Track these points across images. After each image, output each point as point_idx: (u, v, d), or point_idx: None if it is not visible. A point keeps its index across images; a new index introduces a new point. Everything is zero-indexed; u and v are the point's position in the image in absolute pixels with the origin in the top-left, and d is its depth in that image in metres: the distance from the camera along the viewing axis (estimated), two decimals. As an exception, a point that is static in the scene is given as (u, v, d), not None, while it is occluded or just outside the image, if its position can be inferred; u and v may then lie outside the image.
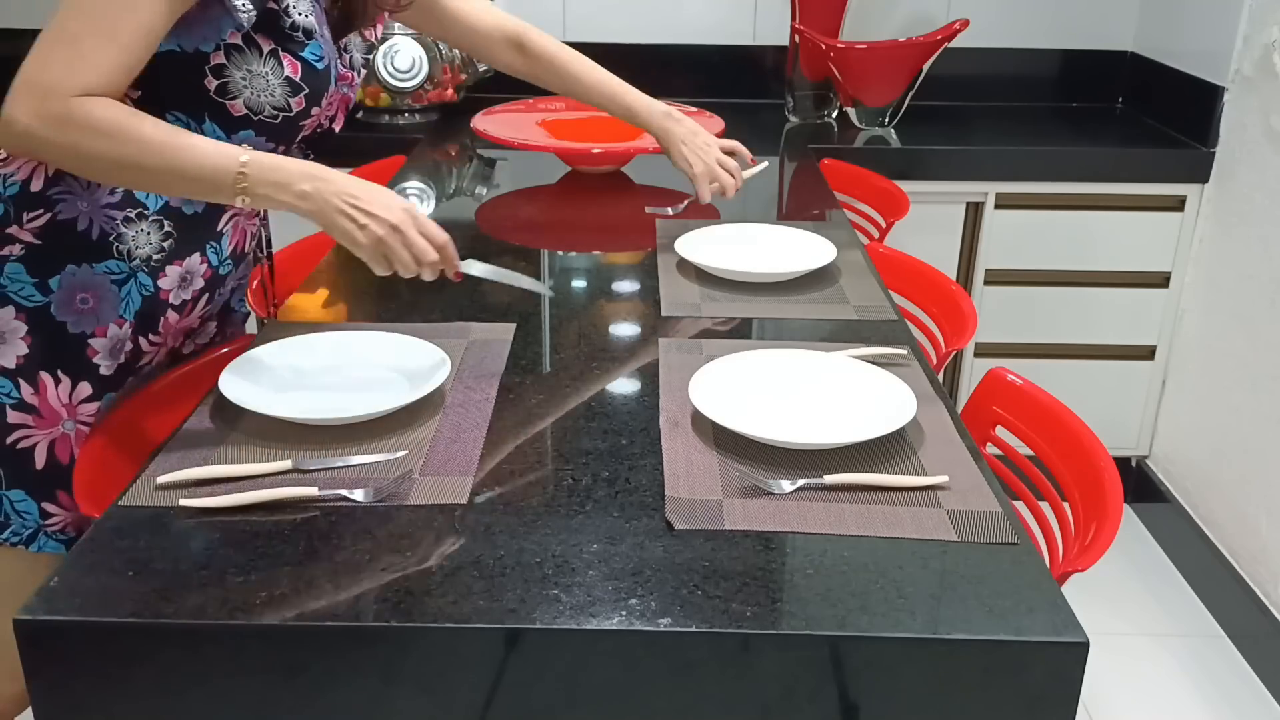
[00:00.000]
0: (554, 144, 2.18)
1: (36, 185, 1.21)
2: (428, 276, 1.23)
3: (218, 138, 1.24)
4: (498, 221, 1.95)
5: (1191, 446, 2.54)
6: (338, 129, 1.40)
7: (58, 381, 1.23)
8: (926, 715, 0.91)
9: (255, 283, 1.72)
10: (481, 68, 2.67)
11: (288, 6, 1.22)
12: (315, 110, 1.28)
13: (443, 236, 1.22)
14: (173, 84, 1.20)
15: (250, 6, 1.18)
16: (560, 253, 1.80)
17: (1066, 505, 1.24)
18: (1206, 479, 2.46)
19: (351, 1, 1.34)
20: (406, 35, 2.60)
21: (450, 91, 2.67)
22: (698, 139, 1.77)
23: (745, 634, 0.88)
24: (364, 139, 2.56)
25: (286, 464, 1.09)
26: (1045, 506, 1.29)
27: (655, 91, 2.55)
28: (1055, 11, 2.83)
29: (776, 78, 2.85)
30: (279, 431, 1.15)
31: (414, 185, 2.17)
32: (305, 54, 1.24)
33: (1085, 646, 0.88)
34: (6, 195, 1.21)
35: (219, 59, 1.19)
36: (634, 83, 2.80)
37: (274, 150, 1.30)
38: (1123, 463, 2.68)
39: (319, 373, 1.27)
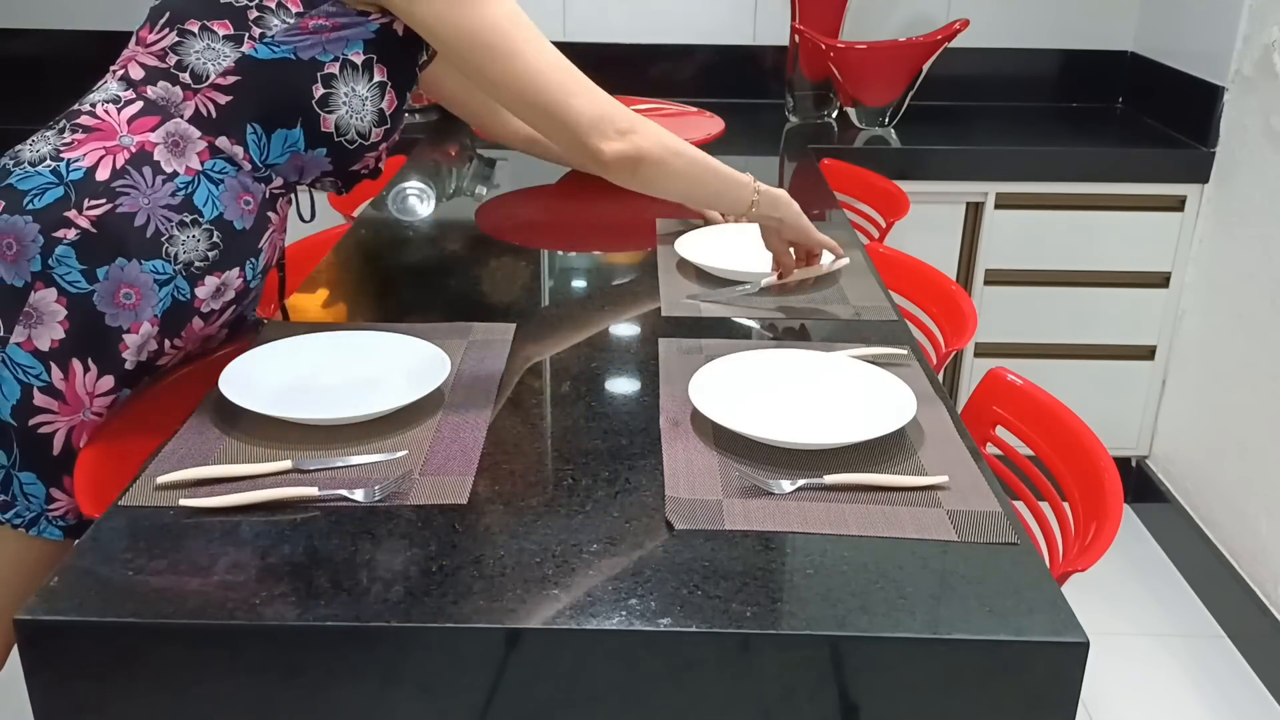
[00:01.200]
0: (554, 144, 2.18)
1: (102, 175, 1.22)
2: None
3: (295, 149, 1.28)
4: (498, 221, 1.95)
5: (1191, 446, 2.54)
6: (382, 167, 1.44)
7: (87, 370, 1.23)
8: (926, 715, 0.91)
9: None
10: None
11: (427, 46, 1.27)
12: (381, 146, 1.33)
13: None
14: (271, 91, 1.23)
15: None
16: (560, 253, 1.80)
17: (1066, 505, 1.24)
18: (1206, 479, 2.46)
19: None
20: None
21: (450, 91, 2.67)
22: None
23: (745, 634, 0.88)
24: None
25: (286, 464, 1.09)
26: (1045, 506, 1.29)
27: (655, 91, 2.56)
28: (1055, 11, 2.83)
29: (776, 78, 2.85)
30: (279, 431, 1.15)
31: (414, 185, 2.17)
32: (408, 94, 1.30)
33: (1085, 646, 0.88)
34: (69, 180, 1.21)
35: (332, 69, 1.23)
36: (634, 83, 2.80)
37: (330, 172, 1.35)
38: (1123, 463, 2.69)
39: (319, 373, 1.27)
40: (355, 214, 2.05)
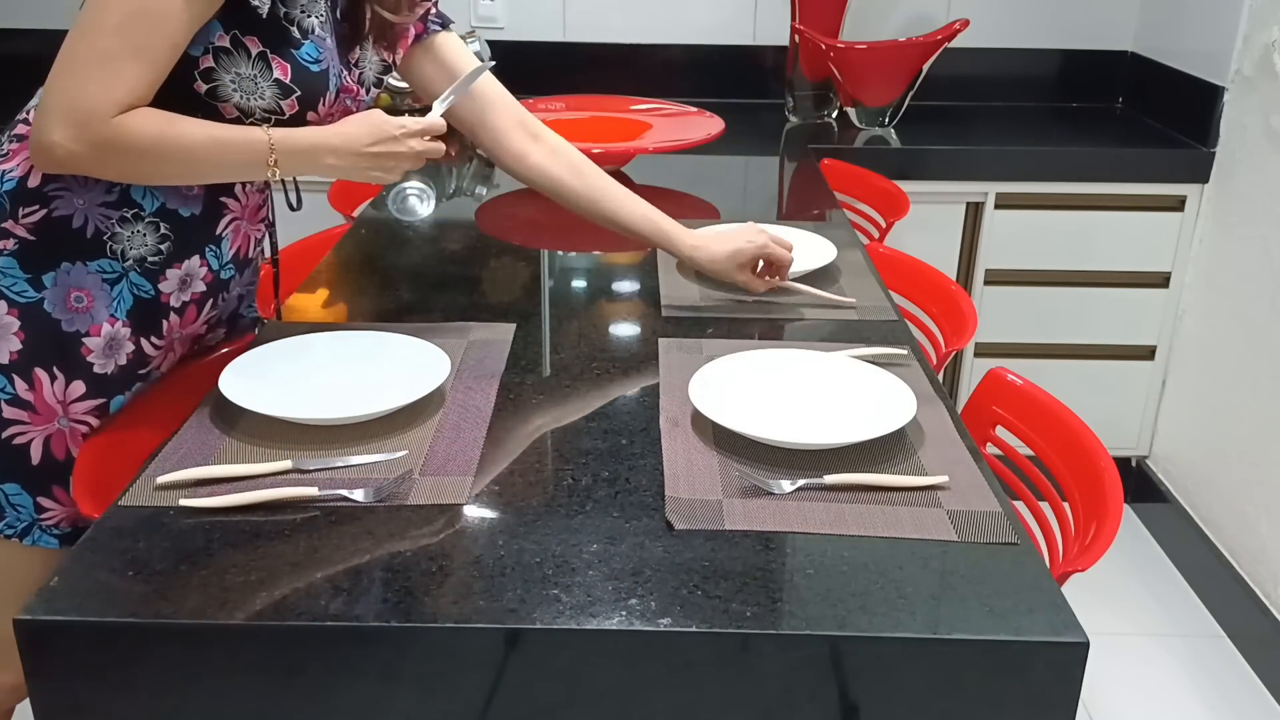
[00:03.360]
0: (554, 144, 2.18)
1: (34, 181, 1.21)
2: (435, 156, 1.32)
3: None
4: (498, 221, 1.95)
5: (1191, 446, 2.54)
6: None
7: (53, 378, 1.23)
8: (926, 715, 0.91)
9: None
10: (481, 68, 2.67)
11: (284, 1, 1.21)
12: (311, 115, 1.27)
13: (428, 123, 1.30)
14: (164, 87, 1.19)
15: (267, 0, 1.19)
16: (560, 253, 1.80)
17: (1066, 505, 1.24)
18: (1206, 479, 2.46)
19: (354, 15, 1.33)
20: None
21: (450, 91, 2.67)
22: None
23: (745, 634, 0.88)
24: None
25: (286, 464, 1.09)
26: (1045, 506, 1.29)
27: (655, 91, 2.56)
28: (1055, 11, 2.83)
29: (776, 78, 2.85)
30: (279, 431, 1.15)
31: (414, 185, 2.17)
32: (300, 54, 1.23)
33: (1085, 646, 0.88)
34: (3, 191, 1.20)
35: (208, 62, 1.19)
36: (634, 83, 2.80)
37: None
38: (1123, 463, 2.68)
39: (319, 373, 1.27)
40: (355, 214, 2.05)
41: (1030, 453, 1.32)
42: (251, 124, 1.23)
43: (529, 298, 1.57)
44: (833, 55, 2.63)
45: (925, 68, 2.64)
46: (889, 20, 2.84)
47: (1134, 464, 2.73)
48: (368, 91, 1.40)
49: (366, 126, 1.25)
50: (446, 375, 1.23)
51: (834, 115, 2.82)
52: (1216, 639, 2.29)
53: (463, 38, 2.73)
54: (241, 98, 1.21)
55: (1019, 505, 1.13)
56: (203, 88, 1.20)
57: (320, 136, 1.24)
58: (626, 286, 1.63)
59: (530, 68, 2.83)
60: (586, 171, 1.54)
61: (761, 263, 1.55)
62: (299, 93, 1.24)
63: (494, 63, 1.47)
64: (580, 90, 2.56)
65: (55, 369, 1.23)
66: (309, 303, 1.55)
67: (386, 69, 1.41)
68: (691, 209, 2.03)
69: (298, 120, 1.26)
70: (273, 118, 1.24)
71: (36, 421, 1.23)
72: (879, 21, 2.82)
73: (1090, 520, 1.17)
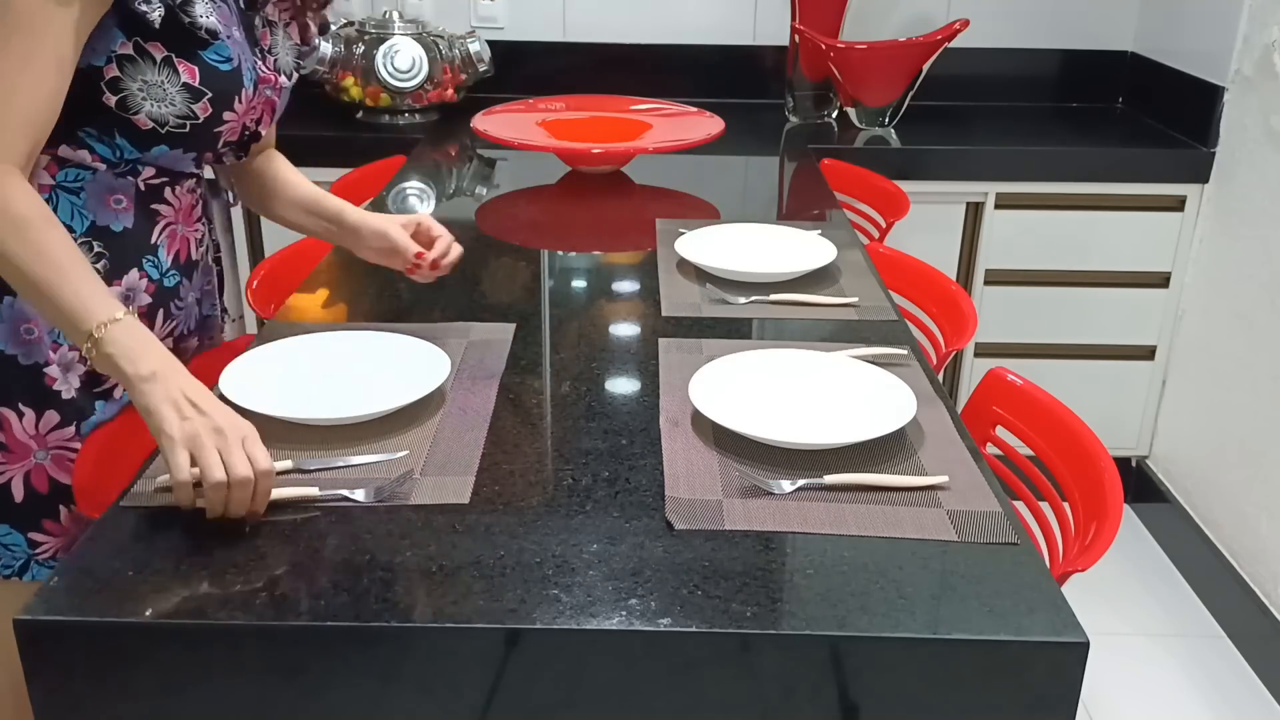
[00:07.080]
0: (554, 144, 2.18)
1: None
2: (233, 507, 1.00)
3: (131, 155, 1.21)
4: (498, 221, 1.95)
5: (1191, 446, 2.54)
6: (264, 132, 1.35)
7: (21, 415, 1.20)
8: (926, 715, 0.91)
9: (255, 282, 1.72)
10: (481, 67, 2.67)
11: (183, 4, 1.17)
12: (229, 115, 1.23)
13: (267, 465, 1.01)
14: (75, 101, 1.14)
15: (160, 6, 1.14)
16: (560, 253, 1.80)
17: (1066, 505, 1.24)
18: (1206, 479, 2.46)
19: None
20: (405, 35, 2.60)
21: (450, 91, 2.67)
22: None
23: (745, 634, 0.88)
24: (364, 139, 2.56)
25: (286, 464, 1.09)
26: (1045, 506, 1.29)
27: (655, 91, 2.56)
28: (1055, 11, 2.83)
29: (776, 78, 2.85)
30: (279, 431, 1.15)
31: (414, 185, 2.17)
32: (207, 55, 1.19)
33: (1085, 646, 0.88)
34: None
35: (112, 72, 1.15)
36: (634, 83, 2.80)
37: (197, 160, 1.26)
38: (1123, 463, 2.68)
39: (319, 373, 1.27)
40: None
41: (1030, 453, 1.32)
42: (169, 134, 1.20)
43: (529, 298, 1.57)
44: (833, 55, 2.63)
45: (925, 68, 2.64)
46: (889, 20, 2.84)
47: (1134, 464, 2.73)
48: (289, 79, 1.35)
49: (215, 399, 1.03)
50: (446, 375, 1.24)
51: (834, 115, 2.82)
52: (1216, 639, 2.29)
53: (462, 38, 2.74)
54: (152, 106, 1.17)
55: (1019, 505, 1.13)
56: (111, 100, 1.16)
57: (167, 359, 1.04)
58: (626, 286, 1.63)
59: (530, 68, 2.83)
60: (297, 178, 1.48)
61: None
62: (210, 94, 1.20)
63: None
64: (580, 90, 2.56)
65: (21, 405, 1.20)
66: (309, 303, 1.55)
67: (301, 54, 1.37)
68: (691, 209, 2.03)
69: (214, 122, 1.22)
70: (188, 124, 1.20)
71: (12, 461, 1.22)
72: (879, 21, 2.82)
73: (1090, 520, 1.17)
